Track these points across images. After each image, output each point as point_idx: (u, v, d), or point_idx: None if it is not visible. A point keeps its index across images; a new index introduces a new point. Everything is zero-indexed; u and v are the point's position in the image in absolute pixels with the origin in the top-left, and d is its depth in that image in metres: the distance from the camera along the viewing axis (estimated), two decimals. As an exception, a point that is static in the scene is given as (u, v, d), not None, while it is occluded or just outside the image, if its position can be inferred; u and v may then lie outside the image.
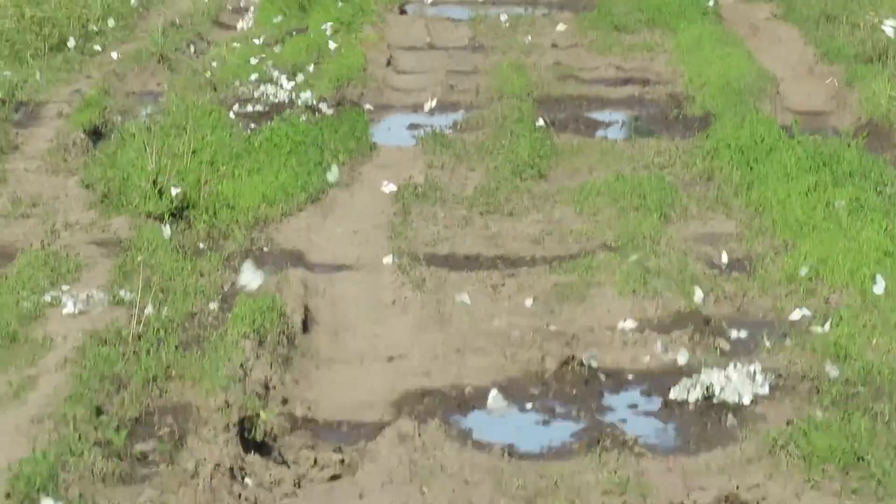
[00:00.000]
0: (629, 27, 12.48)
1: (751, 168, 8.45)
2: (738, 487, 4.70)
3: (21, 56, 10.66)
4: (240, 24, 12.73)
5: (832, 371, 5.56)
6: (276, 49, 11.58)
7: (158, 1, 13.54)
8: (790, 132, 9.00)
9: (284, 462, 5.09)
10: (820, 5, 12.50)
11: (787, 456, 4.91)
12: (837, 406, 5.29)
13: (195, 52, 11.66)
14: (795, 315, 6.43)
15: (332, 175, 8.06)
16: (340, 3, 12.96)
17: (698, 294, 6.53)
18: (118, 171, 8.22)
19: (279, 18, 12.61)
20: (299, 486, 4.90)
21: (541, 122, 9.86)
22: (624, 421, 5.46)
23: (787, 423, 5.12)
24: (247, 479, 4.84)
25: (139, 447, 5.14)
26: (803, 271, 6.78)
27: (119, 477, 4.87)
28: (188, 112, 9.45)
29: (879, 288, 6.29)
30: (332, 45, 11.68)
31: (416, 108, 10.65)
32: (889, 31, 11.14)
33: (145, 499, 4.70)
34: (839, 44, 11.39)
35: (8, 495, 4.67)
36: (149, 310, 6.24)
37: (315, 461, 5.09)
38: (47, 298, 6.59)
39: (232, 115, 9.70)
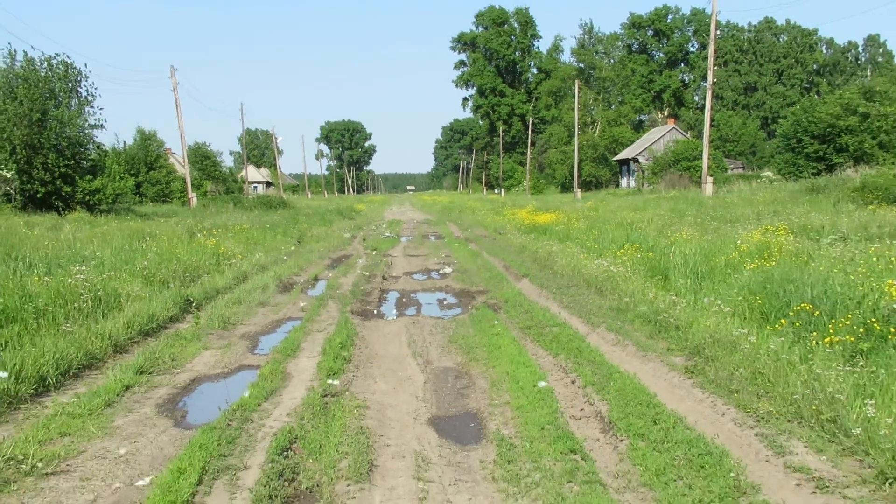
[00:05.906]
0: (436, 224, 39.00)
1: (467, 243, 33.65)
2: (447, 285, 27.72)
3: (349, 240, 36.41)
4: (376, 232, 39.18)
5: (471, 269, 28.50)
6: (380, 230, 38.73)
7: (365, 228, 40.77)
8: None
9: (388, 279, 28.41)
10: (465, 225, 39.84)
11: (456, 281, 26.66)
12: (467, 275, 27.23)
13: (371, 234, 38.19)
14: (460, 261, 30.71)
15: (392, 246, 33.02)
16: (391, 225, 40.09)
17: (445, 264, 30.10)
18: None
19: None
20: (390, 283, 27.91)
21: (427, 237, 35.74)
22: (434, 274, 28.11)
23: (459, 277, 27.45)
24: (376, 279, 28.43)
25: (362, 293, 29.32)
26: (475, 250, 31.09)
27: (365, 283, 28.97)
28: (372, 241, 34.95)
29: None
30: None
31: (404, 237, 36.95)
32: None
33: (359, 270, 28.73)
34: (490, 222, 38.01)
35: (321, 285, 28.48)
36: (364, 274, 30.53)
37: (393, 279, 28.34)
38: (331, 274, 30.59)
39: (381, 235, 36.08)
